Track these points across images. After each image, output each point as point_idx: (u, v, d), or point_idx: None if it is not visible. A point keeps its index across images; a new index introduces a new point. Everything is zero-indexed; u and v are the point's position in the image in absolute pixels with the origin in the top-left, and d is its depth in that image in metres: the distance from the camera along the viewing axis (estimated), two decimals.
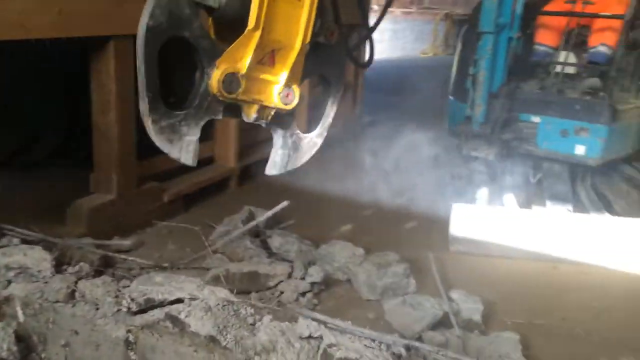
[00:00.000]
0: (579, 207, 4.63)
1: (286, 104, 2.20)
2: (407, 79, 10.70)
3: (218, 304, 2.39)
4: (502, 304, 3.56)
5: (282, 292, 3.46)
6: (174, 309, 2.42)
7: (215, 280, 3.29)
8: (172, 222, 4.47)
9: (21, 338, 2.64)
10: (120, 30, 3.82)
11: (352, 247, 3.87)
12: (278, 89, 2.15)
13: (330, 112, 2.48)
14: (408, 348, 2.22)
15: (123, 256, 3.46)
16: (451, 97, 5.36)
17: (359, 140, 6.37)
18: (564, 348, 3.15)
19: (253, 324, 2.39)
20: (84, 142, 4.35)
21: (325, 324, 2.30)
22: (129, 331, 2.44)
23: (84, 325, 2.56)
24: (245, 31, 1.99)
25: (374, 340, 2.19)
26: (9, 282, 2.77)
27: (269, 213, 3.87)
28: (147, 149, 4.00)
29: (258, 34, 2.01)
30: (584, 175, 4.85)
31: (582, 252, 4.12)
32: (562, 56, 4.89)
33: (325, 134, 2.48)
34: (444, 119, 5.52)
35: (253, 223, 3.89)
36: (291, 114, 2.30)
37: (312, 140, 2.44)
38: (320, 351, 2.13)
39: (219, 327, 2.31)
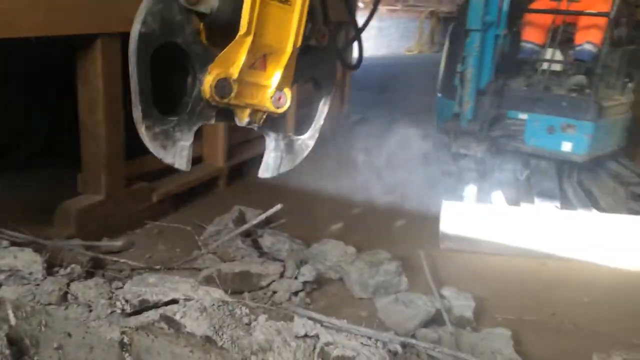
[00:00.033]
0: (567, 203, 4.68)
1: (278, 108, 2.22)
2: (393, 77, 10.76)
3: (213, 304, 2.39)
4: (493, 300, 3.58)
5: (274, 292, 3.45)
6: (168, 309, 2.41)
7: (207, 281, 3.28)
8: (161, 222, 4.45)
9: (13, 341, 2.61)
10: (107, 29, 3.79)
11: (344, 246, 3.87)
12: (270, 93, 2.17)
13: (321, 113, 2.51)
14: (404, 345, 2.23)
15: (114, 258, 3.43)
16: (439, 95, 5.39)
17: (347, 139, 6.37)
18: (555, 343, 3.18)
19: (248, 324, 2.38)
20: (70, 142, 4.30)
21: (321, 322, 2.30)
22: (123, 333, 2.43)
23: (77, 327, 2.53)
24: (237, 36, 2.01)
25: (370, 338, 2.20)
26: (0, 285, 2.73)
27: (262, 216, 3.86)
28: (135, 148, 3.99)
29: (250, 39, 2.02)
30: (570, 172, 4.91)
31: (570, 248, 4.17)
32: (548, 53, 4.94)
33: (317, 135, 2.51)
34: (432, 115, 5.54)
35: (247, 225, 3.87)
36: (283, 116, 2.32)
37: (305, 142, 2.46)
38: (317, 350, 2.13)
39: (214, 328, 2.30)
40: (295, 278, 3.54)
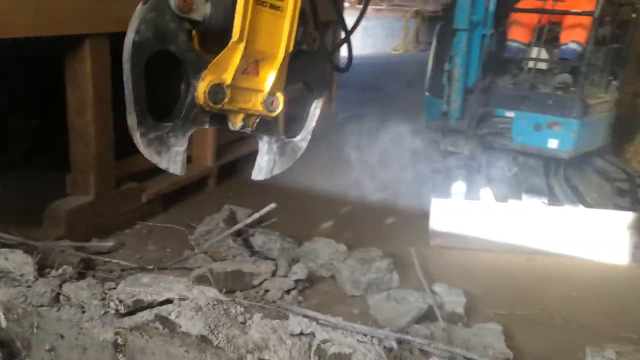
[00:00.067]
0: (554, 199, 4.74)
1: (271, 111, 2.26)
2: (379, 76, 10.80)
3: (208, 304, 2.39)
4: (483, 296, 3.63)
5: (267, 291, 3.46)
6: (163, 309, 2.41)
7: (200, 281, 3.28)
8: (151, 222, 4.44)
9: (4, 344, 2.60)
10: (96, 29, 3.77)
11: (335, 244, 3.89)
12: (263, 97, 2.21)
13: (313, 116, 2.56)
14: (399, 341, 2.25)
15: (106, 258, 3.42)
16: (427, 93, 5.42)
17: (335, 137, 6.39)
18: (545, 337, 3.23)
19: (244, 323, 2.39)
20: (59, 142, 4.26)
21: (316, 320, 2.31)
22: (117, 333, 2.42)
23: (69, 329, 2.52)
24: (230, 43, 2.04)
25: (365, 335, 2.21)
26: None
27: (256, 215, 3.87)
28: (124, 148, 3.97)
29: (242, 45, 2.05)
30: (557, 169, 4.97)
31: (557, 243, 4.23)
32: (534, 52, 5.00)
33: (309, 137, 2.57)
34: (419, 113, 5.58)
35: (240, 225, 3.87)
36: (276, 120, 2.36)
37: (297, 145, 2.52)
38: (314, 347, 2.14)
39: (210, 327, 2.30)
40: (287, 276, 3.55)
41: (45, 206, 3.91)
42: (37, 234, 3.63)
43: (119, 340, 2.42)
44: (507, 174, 4.85)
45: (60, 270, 2.85)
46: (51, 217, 3.88)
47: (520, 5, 5.10)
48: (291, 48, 2.21)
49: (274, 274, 3.56)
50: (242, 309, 2.44)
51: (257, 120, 2.28)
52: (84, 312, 2.53)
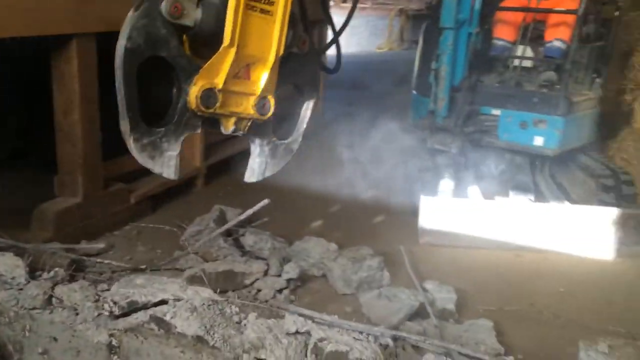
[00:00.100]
0: (540, 196, 4.80)
1: (262, 115, 2.29)
2: (365, 74, 10.83)
3: (203, 304, 2.39)
4: (473, 292, 3.66)
5: (259, 290, 3.46)
6: (158, 310, 2.40)
7: (191, 281, 3.27)
8: (140, 223, 4.42)
9: None
10: (83, 29, 3.74)
11: (326, 243, 3.90)
12: (254, 101, 2.24)
13: (304, 118, 2.60)
14: (395, 338, 2.27)
15: (98, 260, 3.40)
16: (414, 92, 5.45)
17: (322, 136, 6.40)
18: (535, 332, 3.27)
19: (239, 322, 2.39)
20: (45, 143, 4.22)
21: (312, 319, 2.32)
22: (111, 335, 2.41)
23: (63, 331, 2.51)
24: (221, 48, 2.06)
25: (361, 333, 2.23)
26: None
27: (249, 211, 3.86)
28: (111, 149, 3.94)
29: (233, 50, 2.08)
30: (542, 166, 5.03)
31: (544, 239, 4.28)
32: (519, 50, 5.05)
33: (300, 139, 2.61)
34: (406, 111, 5.61)
35: (232, 222, 3.87)
36: (267, 122, 2.38)
37: (288, 147, 2.55)
38: (311, 345, 2.16)
39: (205, 327, 2.31)
40: (279, 276, 3.56)
41: (32, 208, 3.87)
42: (25, 237, 3.59)
43: (114, 342, 2.42)
44: (494, 171, 4.90)
45: (51, 273, 2.83)
46: (39, 219, 3.84)
47: (505, 3, 5.15)
48: (282, 51, 2.24)
49: (265, 273, 3.56)
50: (237, 309, 2.45)
51: (249, 124, 2.31)
52: (77, 314, 2.52)
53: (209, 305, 2.39)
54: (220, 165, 5.48)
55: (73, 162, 4.00)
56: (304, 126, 2.60)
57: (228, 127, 2.25)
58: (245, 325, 2.35)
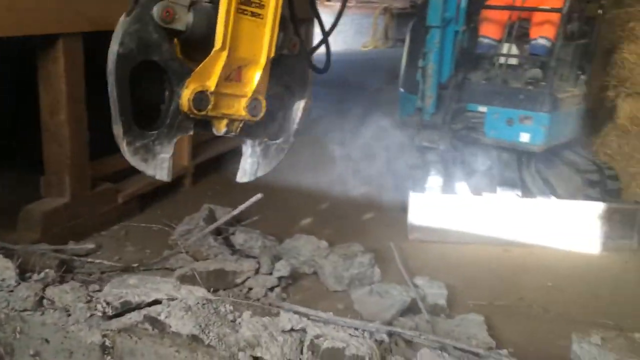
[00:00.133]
0: (526, 192, 4.85)
1: (254, 116, 2.32)
2: (350, 72, 10.84)
3: (197, 303, 2.38)
4: (463, 287, 3.69)
5: (250, 289, 3.46)
6: (152, 310, 2.39)
7: (182, 280, 3.25)
8: (128, 223, 4.39)
9: None
10: (69, 28, 3.71)
11: (316, 240, 3.91)
12: (246, 103, 2.26)
13: (296, 118, 2.63)
14: (390, 334, 2.29)
15: (89, 259, 3.37)
16: (401, 89, 5.48)
17: (311, 134, 6.40)
18: (524, 326, 3.31)
19: (234, 321, 2.39)
20: (32, 143, 4.17)
21: (307, 316, 2.33)
22: (105, 336, 2.40)
23: (55, 333, 2.48)
24: (212, 51, 2.08)
25: (357, 329, 2.24)
26: None
27: (242, 206, 3.86)
28: (98, 149, 3.91)
29: (225, 53, 2.10)
30: (528, 162, 5.09)
31: (531, 234, 4.34)
32: (505, 48, 5.10)
33: (291, 140, 2.65)
34: (394, 108, 5.63)
35: (224, 218, 3.87)
36: (259, 123, 2.40)
37: (280, 147, 2.62)
38: (307, 342, 2.16)
39: (200, 326, 2.30)
40: (270, 274, 3.56)
41: (19, 209, 3.83)
42: (12, 238, 3.54)
43: (107, 343, 2.40)
44: (482, 167, 4.95)
45: (42, 274, 2.80)
46: (26, 220, 3.79)
47: (490, 2, 5.19)
48: (272, 54, 2.27)
49: (257, 271, 3.56)
50: (231, 307, 2.45)
51: (241, 125, 2.34)
52: (69, 315, 2.50)
53: (204, 304, 2.39)
54: (208, 163, 5.45)
55: (60, 162, 3.96)
56: (296, 126, 2.64)
57: (220, 128, 2.29)
58: (240, 323, 2.35)
